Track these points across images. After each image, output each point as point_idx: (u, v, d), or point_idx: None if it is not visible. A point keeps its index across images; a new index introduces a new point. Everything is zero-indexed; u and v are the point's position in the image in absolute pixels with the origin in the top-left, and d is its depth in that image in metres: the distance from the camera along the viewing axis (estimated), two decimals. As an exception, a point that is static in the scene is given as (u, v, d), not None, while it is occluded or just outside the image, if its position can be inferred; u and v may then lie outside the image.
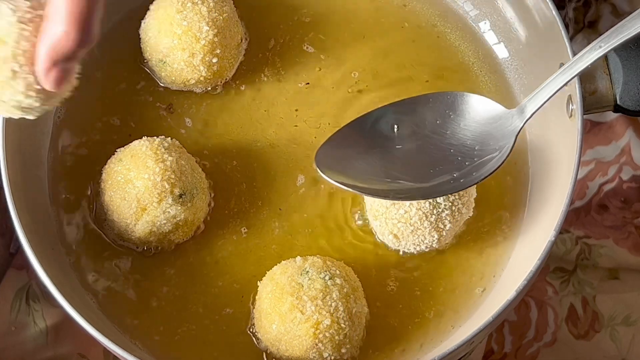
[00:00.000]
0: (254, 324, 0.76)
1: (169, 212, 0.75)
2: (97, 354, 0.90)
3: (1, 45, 0.56)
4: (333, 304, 0.72)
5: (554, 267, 0.95)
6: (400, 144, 0.72)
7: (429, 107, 0.72)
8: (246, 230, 0.80)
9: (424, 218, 0.74)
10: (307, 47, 0.86)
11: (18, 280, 0.92)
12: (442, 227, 0.75)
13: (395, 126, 0.73)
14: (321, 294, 0.72)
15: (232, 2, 0.84)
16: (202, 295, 0.78)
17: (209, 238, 0.80)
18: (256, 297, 0.76)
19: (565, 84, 0.69)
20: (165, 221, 0.75)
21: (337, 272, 0.74)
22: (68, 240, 0.79)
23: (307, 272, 0.73)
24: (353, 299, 0.73)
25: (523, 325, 0.93)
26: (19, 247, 0.92)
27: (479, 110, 0.72)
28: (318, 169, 0.70)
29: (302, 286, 0.72)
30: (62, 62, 0.57)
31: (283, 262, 0.76)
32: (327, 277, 0.73)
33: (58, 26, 0.55)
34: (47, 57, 0.56)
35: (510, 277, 0.77)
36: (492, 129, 0.71)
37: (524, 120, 0.70)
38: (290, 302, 0.72)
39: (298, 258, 0.75)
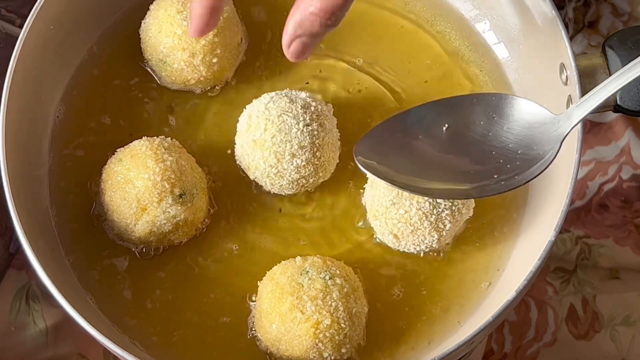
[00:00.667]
0: (254, 324, 0.76)
1: (169, 212, 0.75)
2: (97, 354, 0.90)
3: None
4: (333, 304, 0.72)
5: (554, 267, 0.95)
6: (441, 143, 0.71)
7: (473, 108, 0.71)
8: (245, 231, 0.80)
9: (424, 218, 0.74)
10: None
11: (18, 280, 0.93)
12: (442, 227, 0.75)
13: (437, 125, 0.72)
14: (321, 293, 0.72)
15: (232, 2, 0.84)
16: (201, 296, 0.78)
17: (208, 238, 0.80)
18: (256, 297, 0.76)
19: (615, 93, 0.68)
20: (165, 221, 0.75)
21: (337, 272, 0.74)
22: (68, 241, 0.79)
23: (307, 272, 0.73)
24: (353, 299, 0.73)
25: (523, 325, 0.93)
26: (19, 247, 0.93)
27: (523, 113, 0.70)
28: (358, 163, 0.70)
29: (302, 286, 0.72)
30: (304, 37, 0.64)
31: (283, 262, 0.76)
32: (327, 277, 0.73)
33: (309, 7, 0.62)
34: (292, 32, 0.64)
35: (510, 277, 0.77)
36: (537, 133, 0.70)
37: (571, 126, 0.68)
38: (290, 302, 0.72)
39: (298, 258, 0.75)
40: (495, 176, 0.69)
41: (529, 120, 0.70)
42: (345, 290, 0.73)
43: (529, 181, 0.69)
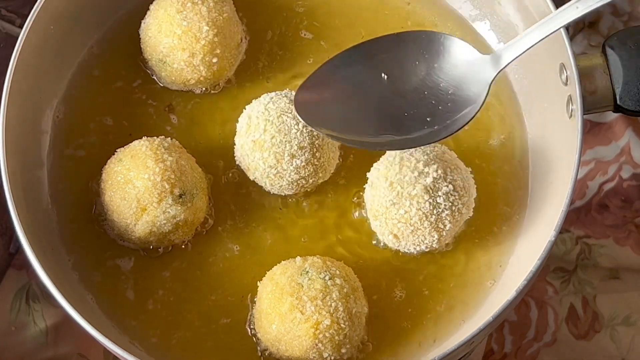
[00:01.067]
0: (253, 325, 0.76)
1: (169, 212, 0.75)
2: (97, 354, 0.90)
3: None
4: (333, 304, 0.72)
5: (554, 267, 0.95)
6: (377, 85, 0.72)
7: (406, 46, 0.72)
8: (245, 232, 0.80)
9: (424, 218, 0.74)
10: (308, 58, 0.86)
11: (18, 280, 0.93)
12: (442, 227, 0.75)
13: (373, 67, 0.72)
14: (321, 294, 0.72)
15: (232, 2, 0.84)
16: (202, 296, 0.78)
17: (208, 238, 0.80)
18: (256, 297, 0.76)
19: (544, 38, 0.68)
20: (165, 221, 0.75)
21: (337, 272, 0.74)
22: (68, 240, 0.79)
23: (307, 272, 0.73)
24: (353, 299, 0.73)
25: (523, 325, 0.93)
26: (19, 247, 0.93)
27: (453, 52, 0.71)
28: (298, 115, 0.72)
29: (302, 286, 0.72)
30: None
31: (283, 262, 0.76)
32: (327, 277, 0.73)
33: None
34: None
35: (511, 276, 0.77)
36: (467, 73, 0.70)
37: (498, 70, 0.70)
38: (290, 302, 0.72)
39: (298, 258, 0.75)
40: (428, 119, 0.70)
41: (460, 59, 0.71)
42: (345, 290, 0.73)
43: (462, 127, 0.70)
